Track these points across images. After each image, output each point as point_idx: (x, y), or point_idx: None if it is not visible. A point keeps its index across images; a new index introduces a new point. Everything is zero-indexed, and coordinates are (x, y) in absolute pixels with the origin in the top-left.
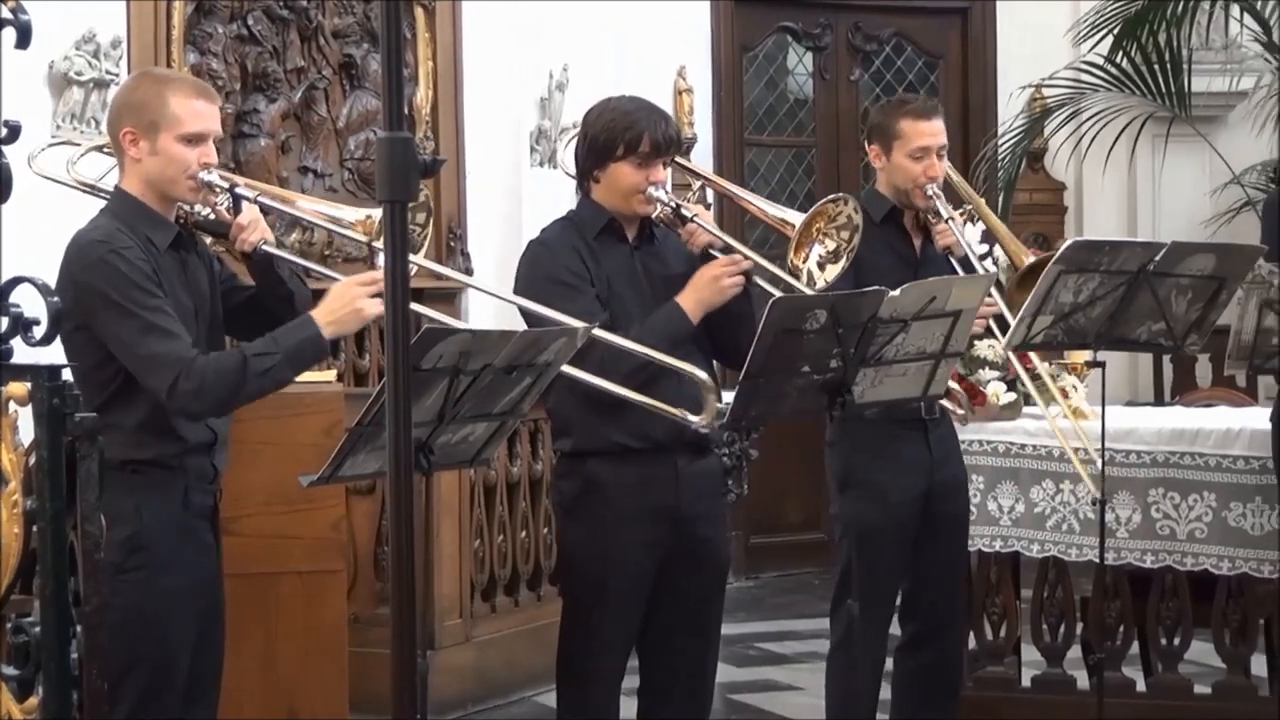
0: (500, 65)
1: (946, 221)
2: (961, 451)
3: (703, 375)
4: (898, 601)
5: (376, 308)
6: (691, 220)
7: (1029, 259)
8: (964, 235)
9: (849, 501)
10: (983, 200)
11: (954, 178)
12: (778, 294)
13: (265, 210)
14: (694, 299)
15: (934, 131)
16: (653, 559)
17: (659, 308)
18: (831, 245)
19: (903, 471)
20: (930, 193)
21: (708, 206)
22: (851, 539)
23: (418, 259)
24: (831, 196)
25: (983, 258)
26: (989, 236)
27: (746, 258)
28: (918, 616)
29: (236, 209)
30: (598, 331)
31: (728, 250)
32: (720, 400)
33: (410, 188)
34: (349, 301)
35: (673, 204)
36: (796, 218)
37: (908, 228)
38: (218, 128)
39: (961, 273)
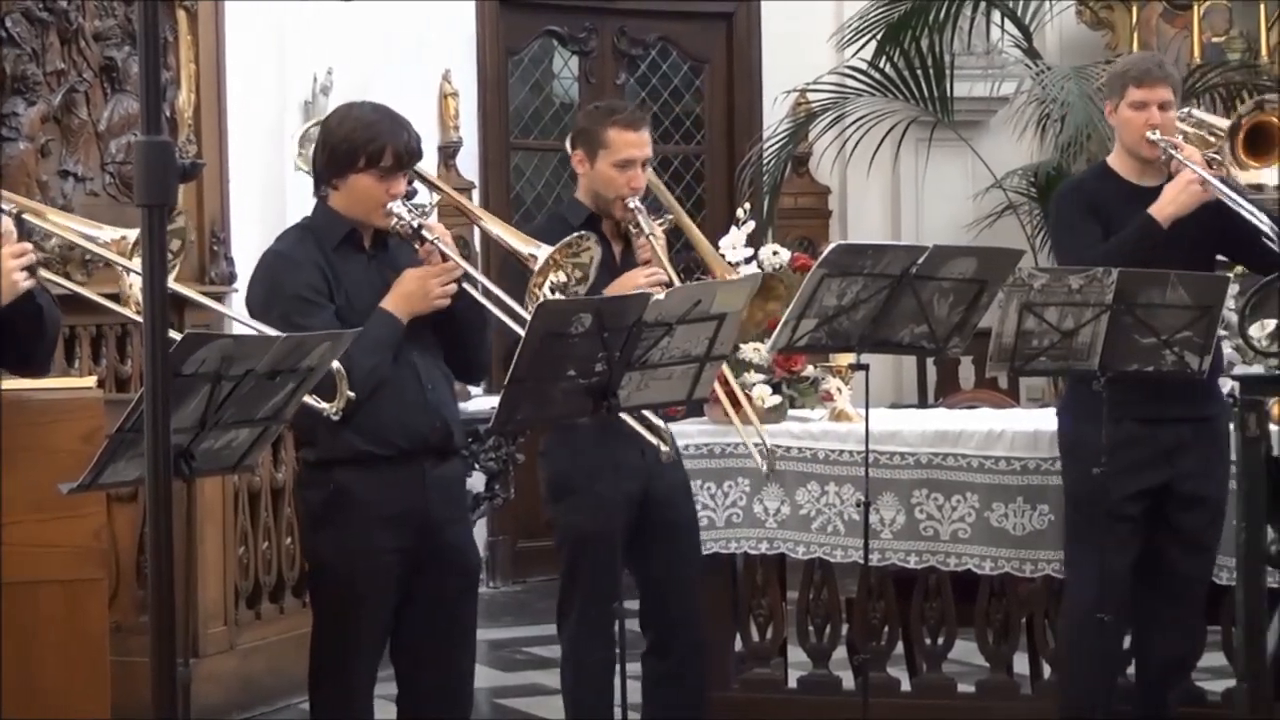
0: (264, 68)
1: (647, 237)
2: (687, 456)
3: (335, 365)
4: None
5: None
6: (431, 242)
7: (730, 276)
8: (663, 254)
9: (565, 511)
10: (682, 210)
11: (654, 183)
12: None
13: (20, 223)
14: (405, 308)
15: (641, 142)
16: (402, 565)
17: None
18: (564, 278)
19: (618, 477)
20: (632, 205)
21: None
22: (570, 547)
23: (179, 286)
24: (579, 234)
25: (747, 261)
26: (754, 239)
27: (474, 279)
28: (655, 622)
29: None
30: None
31: (464, 277)
32: (349, 388)
33: (169, 191)
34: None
35: (413, 226)
36: (543, 252)
37: (607, 234)
38: None
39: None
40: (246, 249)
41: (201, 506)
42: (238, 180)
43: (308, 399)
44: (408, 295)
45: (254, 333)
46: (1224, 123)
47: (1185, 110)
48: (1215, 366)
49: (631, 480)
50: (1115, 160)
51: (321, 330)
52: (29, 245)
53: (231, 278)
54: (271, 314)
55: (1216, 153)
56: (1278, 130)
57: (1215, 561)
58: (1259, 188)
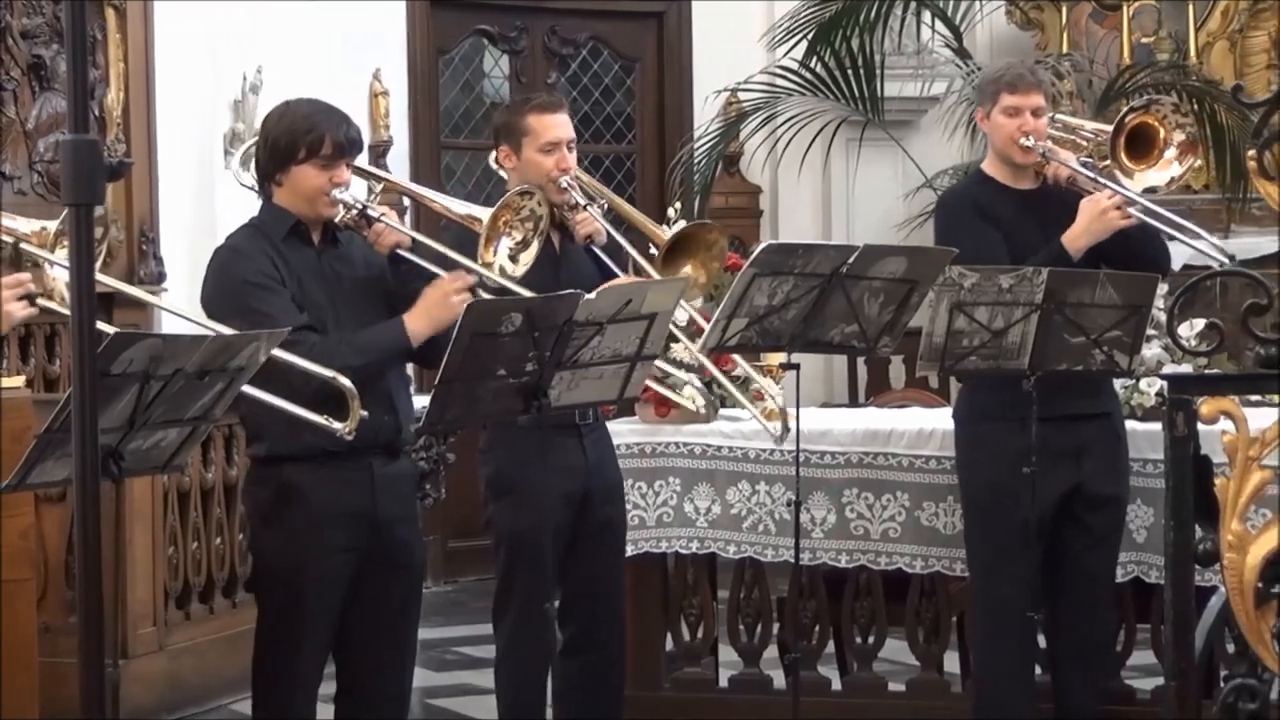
0: (193, 67)
1: (584, 209)
2: (618, 455)
3: (346, 383)
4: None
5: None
6: (378, 220)
7: (667, 235)
8: (605, 221)
9: (503, 509)
10: (607, 189)
11: (580, 174)
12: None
13: None
14: (425, 320)
15: (562, 123)
16: (350, 563)
17: (346, 310)
18: (519, 236)
19: (557, 476)
20: (565, 184)
21: (401, 213)
22: (508, 546)
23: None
24: (519, 189)
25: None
26: None
27: (465, 267)
28: (576, 620)
29: None
30: (277, 351)
31: (416, 247)
32: (363, 409)
33: (96, 190)
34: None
35: (359, 205)
36: (484, 213)
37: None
38: None
39: (608, 260)
40: (176, 248)
41: (130, 507)
42: (167, 179)
43: (318, 419)
44: (429, 306)
45: (185, 330)
46: (1092, 125)
47: (1051, 115)
48: None
49: (571, 480)
50: (990, 166)
51: (283, 314)
52: (26, 275)
53: (161, 277)
54: (228, 304)
55: (1089, 156)
56: (1157, 131)
57: (1118, 556)
58: (1152, 190)
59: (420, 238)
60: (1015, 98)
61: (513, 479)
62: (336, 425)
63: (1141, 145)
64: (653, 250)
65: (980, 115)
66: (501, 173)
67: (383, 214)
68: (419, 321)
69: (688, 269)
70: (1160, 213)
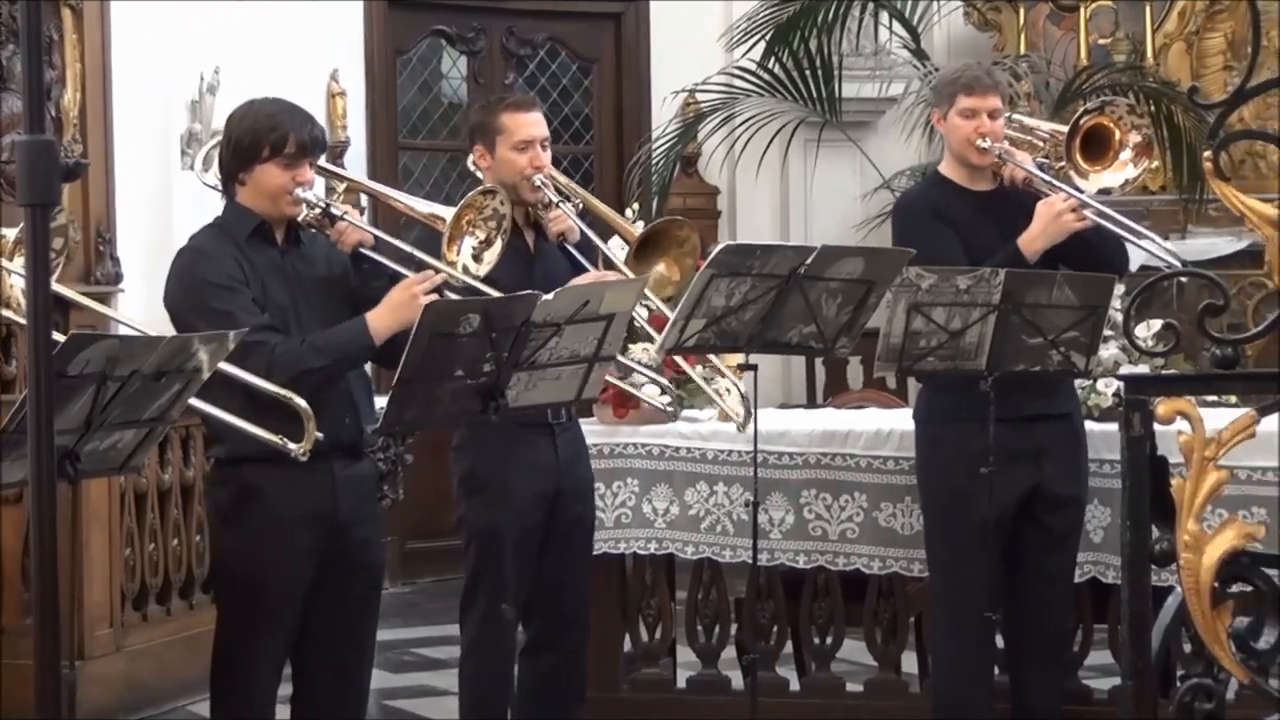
0: (150, 67)
1: (558, 206)
2: (590, 455)
3: (301, 403)
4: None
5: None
6: (341, 218)
7: (635, 229)
8: (578, 219)
9: (475, 506)
10: (582, 189)
11: (554, 172)
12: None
13: None
14: (389, 319)
15: (536, 122)
16: (310, 564)
17: (308, 310)
18: (482, 235)
19: (529, 475)
20: (538, 182)
21: (361, 212)
22: (478, 543)
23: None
24: (481, 188)
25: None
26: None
27: (433, 267)
28: (540, 619)
29: None
30: (232, 369)
31: (379, 245)
32: (318, 430)
33: (53, 191)
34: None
35: (322, 204)
36: (447, 212)
37: (519, 223)
38: None
39: (580, 258)
40: (133, 249)
41: (87, 508)
42: (124, 180)
43: (273, 439)
44: (394, 306)
45: (139, 333)
46: (1049, 126)
47: (1008, 114)
48: None
49: (542, 479)
50: (946, 168)
51: (244, 313)
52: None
53: (118, 278)
54: (191, 304)
55: (1046, 156)
56: (1113, 133)
57: (1076, 557)
58: (1106, 191)
59: (383, 236)
60: (972, 99)
61: (485, 477)
62: (292, 446)
63: (1097, 146)
64: (624, 246)
65: (937, 116)
66: (479, 173)
67: (346, 212)
68: (382, 320)
69: (660, 267)
70: (1112, 215)
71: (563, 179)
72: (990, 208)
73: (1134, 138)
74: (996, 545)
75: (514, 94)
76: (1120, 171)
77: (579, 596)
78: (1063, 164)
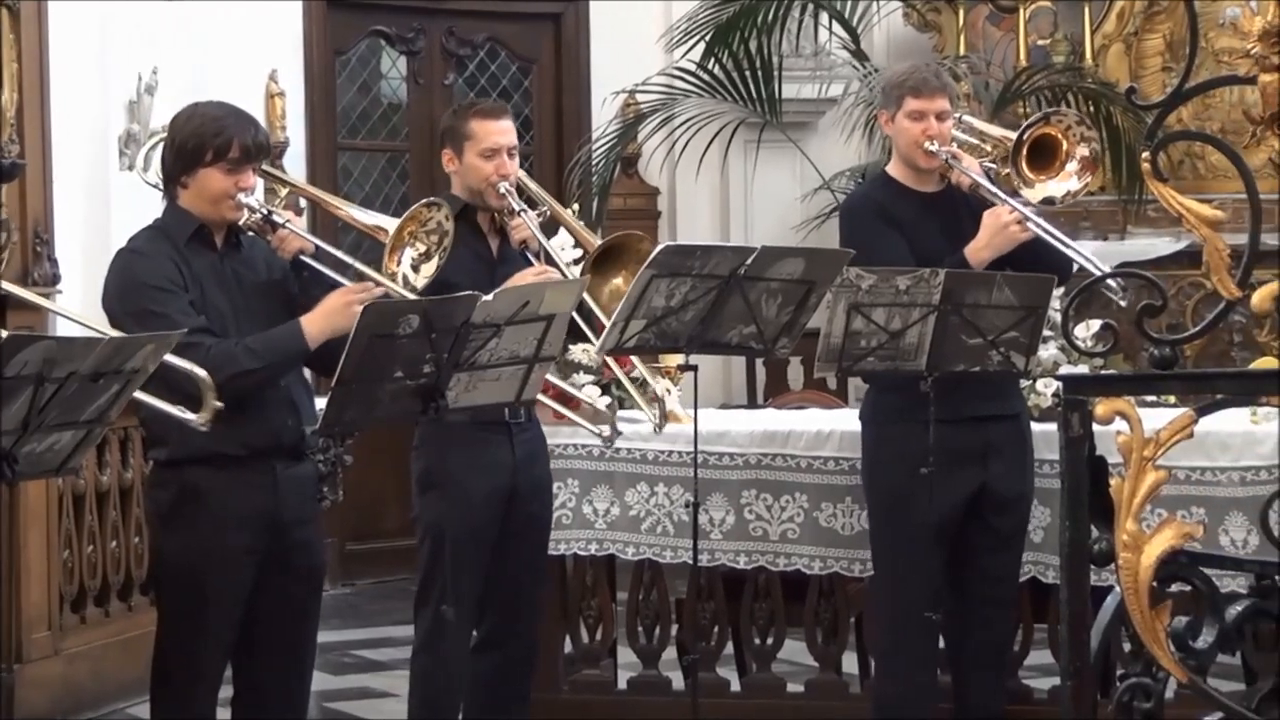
0: (88, 67)
1: (519, 214)
2: (549, 454)
3: (201, 372)
4: None
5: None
6: (283, 226)
7: (597, 241)
8: (538, 230)
9: (430, 503)
10: (551, 198)
11: (523, 178)
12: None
13: None
14: (323, 324)
15: (503, 130)
16: (251, 565)
17: (247, 314)
18: (423, 248)
19: (485, 473)
20: (503, 190)
21: (299, 213)
22: (433, 541)
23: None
24: (425, 201)
25: (577, 262)
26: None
27: (368, 276)
28: (491, 617)
29: None
30: (169, 357)
31: (319, 254)
32: (219, 400)
33: None
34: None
35: (264, 210)
36: (390, 224)
37: (483, 229)
38: None
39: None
40: (71, 250)
41: (25, 510)
42: (61, 181)
43: (173, 410)
44: (329, 312)
45: (79, 333)
46: (999, 131)
47: (957, 115)
48: None
49: (498, 477)
50: (894, 169)
51: (181, 316)
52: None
53: (55, 279)
54: (128, 307)
55: (993, 161)
56: (1060, 143)
57: (1021, 557)
58: (1049, 201)
59: (323, 245)
60: (920, 102)
61: (441, 475)
62: (190, 416)
63: (1043, 154)
64: (577, 255)
65: (884, 118)
66: (448, 168)
67: (287, 220)
68: (317, 325)
69: (618, 280)
70: (1049, 229)
71: (533, 186)
72: (936, 209)
73: (1081, 150)
74: (943, 546)
75: (485, 100)
76: (1065, 182)
77: (531, 595)
78: (1008, 171)
